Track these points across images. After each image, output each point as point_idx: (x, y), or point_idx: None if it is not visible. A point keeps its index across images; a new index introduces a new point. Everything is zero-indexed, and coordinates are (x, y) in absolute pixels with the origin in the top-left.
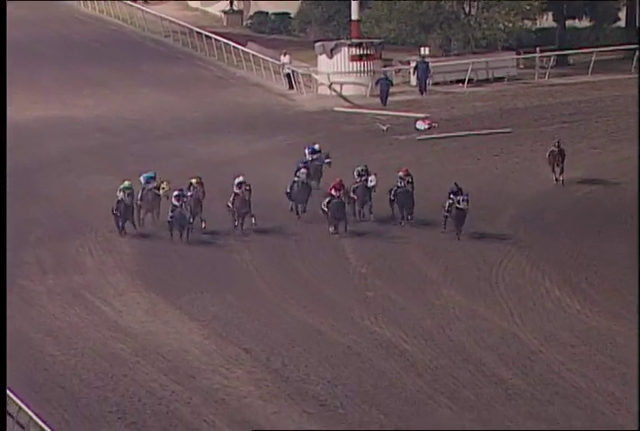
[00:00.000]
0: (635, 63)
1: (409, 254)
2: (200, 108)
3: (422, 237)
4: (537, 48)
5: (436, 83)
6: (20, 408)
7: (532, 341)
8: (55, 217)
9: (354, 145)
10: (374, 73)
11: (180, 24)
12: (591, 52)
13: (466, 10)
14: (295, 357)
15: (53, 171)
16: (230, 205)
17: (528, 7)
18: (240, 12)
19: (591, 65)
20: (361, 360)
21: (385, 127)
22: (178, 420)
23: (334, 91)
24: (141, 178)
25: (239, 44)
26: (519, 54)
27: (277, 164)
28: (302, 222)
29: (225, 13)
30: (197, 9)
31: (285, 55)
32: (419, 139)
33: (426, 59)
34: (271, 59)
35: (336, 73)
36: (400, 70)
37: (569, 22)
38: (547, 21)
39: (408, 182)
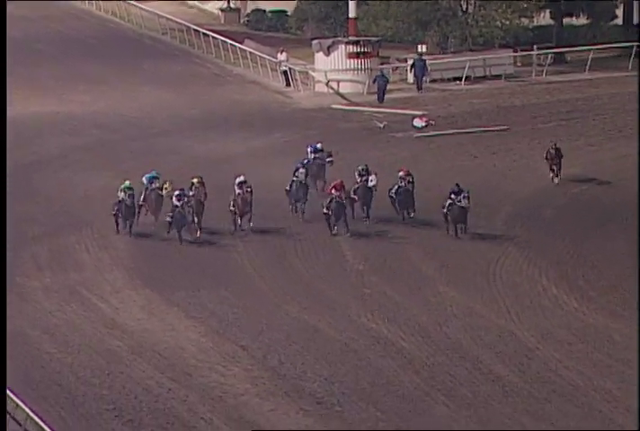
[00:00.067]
0: (632, 60)
1: (406, 252)
2: (198, 105)
3: (419, 235)
4: (535, 46)
5: (433, 81)
6: (17, 405)
7: (529, 339)
8: (51, 214)
9: (351, 143)
10: (371, 70)
11: (177, 22)
12: (589, 50)
13: (464, 7)
14: (292, 355)
15: (50, 167)
16: (232, 206)
17: (525, 5)
18: (237, 9)
19: (589, 62)
20: (358, 357)
21: (382, 125)
22: (175, 418)
23: (331, 88)
24: (144, 178)
25: (236, 41)
26: (516, 51)
27: (274, 162)
28: (300, 220)
29: (222, 10)
30: (194, 6)
31: (282, 52)
32: (416, 137)
33: (423, 57)
34: (268, 57)
35: (333, 70)
36: (397, 68)
37: (566, 20)
38: (545, 18)
39: (409, 182)
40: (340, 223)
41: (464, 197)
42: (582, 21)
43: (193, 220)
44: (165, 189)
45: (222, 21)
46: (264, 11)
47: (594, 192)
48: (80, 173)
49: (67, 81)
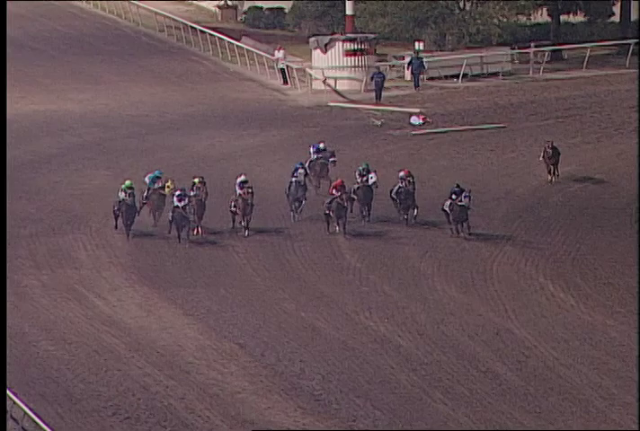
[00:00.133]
0: (629, 57)
1: (404, 250)
2: (195, 103)
3: (416, 233)
4: (532, 43)
5: (431, 78)
6: (14, 402)
7: (526, 336)
8: (49, 212)
9: (348, 140)
10: (368, 68)
11: (174, 19)
12: (586, 47)
13: (461, 5)
14: (289, 353)
15: (47, 165)
16: (232, 206)
17: (522, 2)
18: (234, 6)
19: (586, 59)
20: (356, 355)
21: (379, 122)
22: (172, 415)
23: (329, 86)
24: (146, 178)
25: (233, 39)
26: (513, 49)
27: (271, 159)
28: (298, 220)
29: (219, 7)
30: (191, 4)
31: (279, 50)
32: (413, 134)
33: (420, 55)
34: (265, 54)
35: (330, 68)
36: (394, 65)
37: (563, 17)
38: (542, 16)
39: (410, 183)
40: (340, 223)
41: (465, 197)
42: (580, 18)
43: (194, 220)
44: (168, 187)
45: (219, 19)
46: (261, 8)
47: (591, 190)
48: (77, 172)
49: (64, 79)
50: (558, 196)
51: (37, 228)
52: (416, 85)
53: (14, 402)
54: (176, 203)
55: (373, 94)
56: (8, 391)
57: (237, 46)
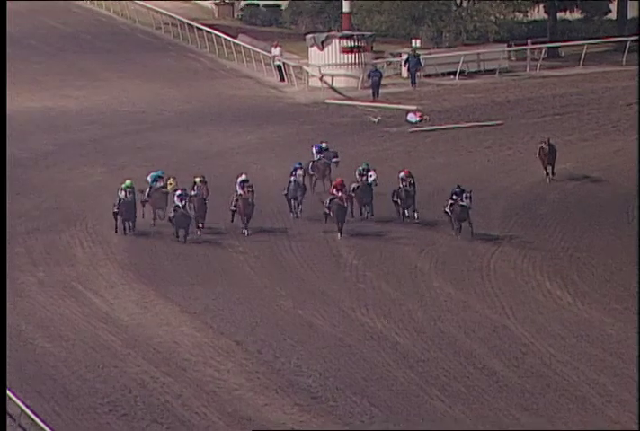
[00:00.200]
0: (626, 55)
1: (400, 247)
2: (191, 99)
3: (413, 231)
4: (529, 41)
5: (427, 76)
6: (11, 399)
7: (523, 333)
8: (45, 209)
9: (345, 138)
10: (365, 65)
11: (171, 16)
12: (583, 44)
13: (458, 2)
14: (286, 350)
15: (43, 162)
16: (233, 206)
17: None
18: (231, 4)
19: (583, 57)
20: (353, 352)
21: (376, 120)
22: (169, 412)
23: (325, 83)
24: (149, 177)
25: (230, 36)
26: (510, 46)
27: (268, 157)
28: (297, 220)
29: (216, 4)
30: (188, 1)
31: (276, 47)
32: (410, 131)
33: (417, 52)
34: (262, 51)
35: (327, 65)
36: (391, 62)
37: (560, 15)
38: (539, 13)
39: (410, 184)
40: (340, 222)
41: (466, 198)
42: (576, 15)
43: (195, 219)
44: (170, 184)
45: (216, 16)
46: (258, 5)
47: (588, 187)
48: (74, 169)
49: (61, 76)
50: (555, 193)
51: (33, 225)
52: (413, 83)
53: (11, 400)
54: (177, 202)
55: (370, 91)
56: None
57: (234, 43)
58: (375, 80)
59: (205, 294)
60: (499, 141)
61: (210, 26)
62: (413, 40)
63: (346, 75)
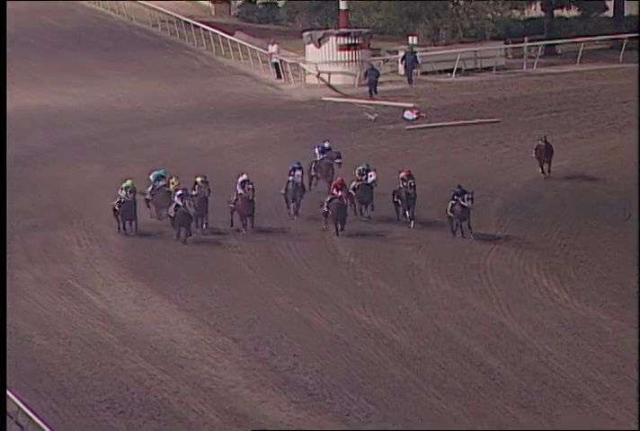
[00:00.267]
0: (623, 52)
1: (397, 245)
2: (188, 97)
3: (409, 228)
4: (526, 38)
5: (424, 73)
6: (7, 397)
7: (520, 331)
8: (42, 207)
9: (342, 135)
10: (362, 62)
11: (168, 13)
12: (580, 42)
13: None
14: (283, 347)
15: (41, 160)
16: (232, 204)
17: None
18: (228, 1)
19: (580, 54)
20: (349, 349)
21: (373, 117)
22: (166, 409)
23: (322, 80)
24: (151, 176)
25: (227, 33)
26: (507, 43)
27: (265, 154)
28: (295, 220)
29: (213, 2)
30: None
31: (273, 44)
32: (407, 129)
33: (414, 49)
34: (259, 49)
35: (324, 62)
36: (388, 60)
37: (557, 12)
38: (536, 10)
39: (410, 186)
40: (339, 222)
41: (467, 199)
42: (573, 13)
43: (196, 219)
44: (172, 183)
45: (213, 13)
46: (255, 2)
47: (584, 184)
48: (71, 166)
49: (58, 73)
50: (552, 190)
51: (30, 222)
52: (409, 80)
53: (8, 397)
54: (178, 202)
55: (367, 89)
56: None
57: (231, 40)
58: (372, 78)
59: (202, 292)
60: (496, 138)
61: (207, 23)
62: (410, 38)
63: (343, 73)
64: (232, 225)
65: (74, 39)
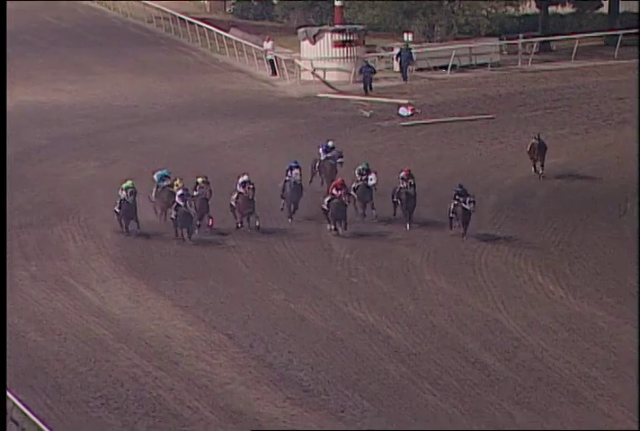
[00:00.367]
0: (617, 49)
1: (392, 242)
2: (183, 93)
3: (405, 225)
4: (521, 35)
5: (419, 69)
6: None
7: (515, 327)
8: (37, 203)
9: (337, 131)
10: (357, 59)
11: (163, 10)
12: (574, 38)
13: None
14: (278, 343)
15: (36, 156)
16: (233, 204)
17: None
18: None
19: (574, 51)
20: (344, 346)
21: (368, 113)
22: (161, 406)
23: (317, 77)
24: (155, 176)
25: (222, 30)
26: (502, 40)
27: (260, 151)
28: (293, 220)
29: None
30: None
31: (268, 41)
32: (402, 125)
33: (409, 46)
34: (254, 45)
35: (319, 59)
36: (383, 56)
37: (552, 9)
38: (530, 7)
39: (410, 185)
40: (339, 222)
41: (469, 201)
42: (568, 9)
43: (200, 219)
44: (176, 185)
45: (208, 10)
46: None
47: (579, 181)
48: (66, 163)
49: (53, 70)
50: (546, 187)
51: (26, 219)
52: (404, 77)
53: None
54: (179, 202)
55: (362, 85)
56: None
57: (226, 37)
58: (367, 76)
59: (197, 288)
60: (490, 135)
61: (202, 20)
62: (405, 34)
63: (338, 69)
64: (238, 226)
65: (69, 36)
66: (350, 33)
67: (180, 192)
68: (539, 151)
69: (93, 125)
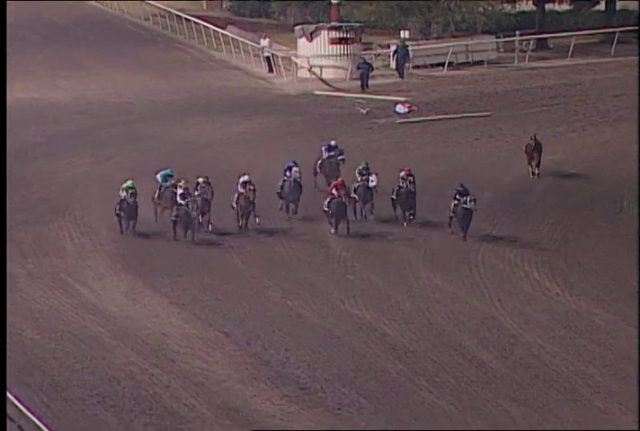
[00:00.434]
0: (614, 46)
1: (389, 239)
2: (180, 91)
3: (401, 222)
4: (517, 32)
5: (416, 67)
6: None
7: (512, 324)
8: (33, 200)
9: (334, 129)
10: (354, 56)
11: (159, 7)
12: (571, 36)
13: None
14: (275, 341)
15: (32, 154)
16: (234, 204)
17: None
18: None
19: (571, 48)
20: (341, 343)
21: (364, 111)
22: (157, 404)
23: (314, 74)
24: (158, 176)
25: (219, 27)
26: (498, 37)
27: (256, 148)
28: (288, 217)
29: None
30: None
31: (265, 38)
32: (399, 123)
33: (406, 43)
34: (250, 42)
35: (316, 56)
36: (379, 54)
37: (548, 6)
38: (527, 4)
39: (410, 182)
40: (340, 222)
41: (470, 201)
42: (565, 6)
43: (198, 219)
44: (180, 186)
45: (204, 7)
46: None
47: (576, 178)
48: (62, 160)
49: (49, 67)
50: (543, 184)
51: (22, 217)
52: (401, 75)
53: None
54: (180, 201)
55: (358, 83)
56: None
57: (223, 34)
58: (364, 73)
59: (193, 286)
60: (487, 132)
61: (199, 17)
62: (402, 32)
63: (335, 67)
64: (240, 226)
65: (65, 33)
66: (346, 31)
67: (181, 191)
68: (535, 151)
69: (88, 122)
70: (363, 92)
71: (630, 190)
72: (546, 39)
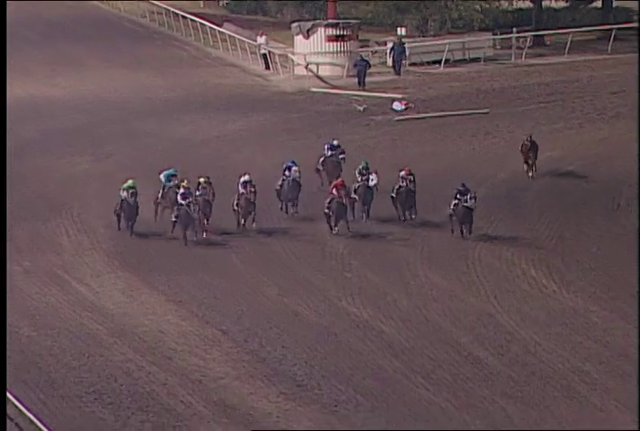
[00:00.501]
0: (611, 43)
1: (386, 237)
2: (177, 88)
3: (398, 220)
4: (514, 29)
5: (413, 64)
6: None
7: (508, 322)
8: (31, 198)
9: (331, 126)
10: (350, 53)
11: (156, 4)
12: (568, 32)
13: None
14: (272, 338)
15: (29, 151)
16: (235, 205)
17: None
18: None
19: (568, 45)
20: (338, 341)
21: (361, 108)
22: (154, 401)
23: (311, 71)
24: (161, 176)
25: (215, 24)
26: (495, 34)
27: (253, 145)
28: (289, 215)
29: None
30: None
31: (261, 35)
32: (395, 120)
33: (403, 40)
34: (247, 40)
35: (313, 53)
36: (376, 51)
37: (545, 3)
38: (524, 1)
39: (410, 181)
40: (341, 222)
41: (470, 198)
42: (562, 3)
43: (199, 219)
44: (183, 187)
45: (201, 4)
46: None
47: (573, 175)
48: (59, 157)
49: (47, 64)
50: (540, 181)
51: (19, 214)
52: (398, 72)
53: None
54: (181, 201)
55: (355, 80)
56: None
57: (219, 31)
58: (361, 70)
59: (191, 283)
60: (484, 129)
61: (196, 14)
62: (399, 29)
63: (331, 64)
64: (238, 226)
65: (62, 30)
66: (343, 28)
67: (181, 191)
68: (531, 151)
69: (85, 119)
70: (360, 90)
71: (628, 187)
72: (542, 36)
